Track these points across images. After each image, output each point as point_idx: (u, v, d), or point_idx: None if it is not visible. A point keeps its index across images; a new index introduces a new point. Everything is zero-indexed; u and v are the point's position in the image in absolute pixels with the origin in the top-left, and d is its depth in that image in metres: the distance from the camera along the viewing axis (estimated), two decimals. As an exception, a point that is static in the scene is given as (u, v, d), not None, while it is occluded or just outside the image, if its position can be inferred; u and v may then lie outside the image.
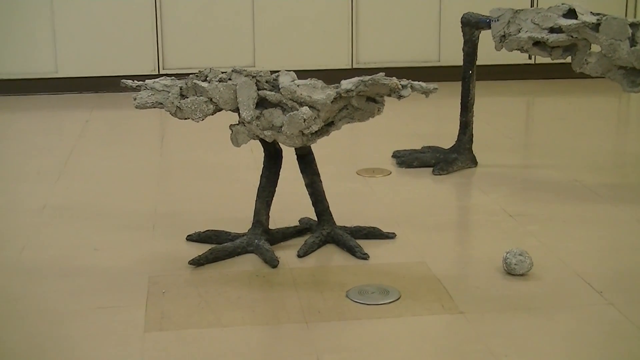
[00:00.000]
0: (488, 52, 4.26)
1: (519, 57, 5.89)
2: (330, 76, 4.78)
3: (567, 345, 2.35)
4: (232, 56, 5.84)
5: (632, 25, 3.49)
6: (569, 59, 3.70)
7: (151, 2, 5.72)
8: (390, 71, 5.34)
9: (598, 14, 3.56)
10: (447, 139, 4.25)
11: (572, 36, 3.57)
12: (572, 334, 2.41)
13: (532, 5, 5.99)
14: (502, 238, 3.14)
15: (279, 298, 2.64)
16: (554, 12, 3.61)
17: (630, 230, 3.23)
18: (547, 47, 3.66)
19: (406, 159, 4.05)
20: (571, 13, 3.60)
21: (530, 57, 6.06)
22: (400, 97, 2.75)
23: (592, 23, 3.52)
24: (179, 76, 3.04)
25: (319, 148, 3.27)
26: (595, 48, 3.62)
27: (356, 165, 4.06)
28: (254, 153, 4.08)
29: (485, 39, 4.07)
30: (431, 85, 2.76)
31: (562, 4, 3.63)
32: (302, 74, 3.29)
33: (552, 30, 3.61)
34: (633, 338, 2.38)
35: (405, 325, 2.47)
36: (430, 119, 5.19)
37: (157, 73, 5.68)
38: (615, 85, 3.64)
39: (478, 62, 4.06)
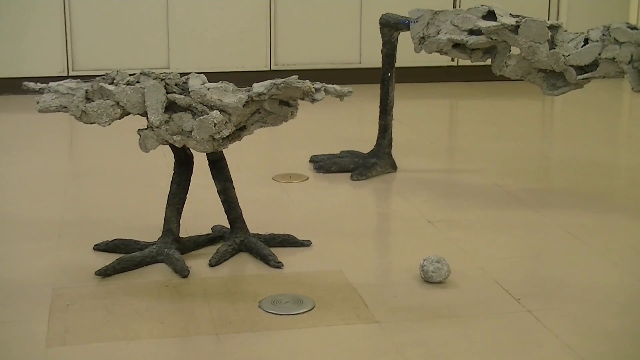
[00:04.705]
0: (410, 54, 4.22)
1: (441, 59, 5.90)
2: (248, 78, 4.70)
3: (484, 353, 2.31)
4: (146, 57, 5.73)
5: (551, 27, 3.47)
6: (489, 62, 3.67)
7: (59, -2, 5.59)
8: (310, 73, 5.30)
9: (517, 16, 3.53)
10: (367, 143, 4.20)
11: (491, 38, 3.54)
12: (489, 341, 2.38)
13: (454, 7, 5.99)
14: (421, 245, 3.10)
15: (189, 309, 2.57)
16: (473, 13, 3.58)
17: (550, 236, 3.22)
18: (467, 49, 3.64)
19: (324, 164, 3.99)
20: (490, 15, 3.57)
21: (452, 60, 6.06)
22: (313, 100, 2.70)
23: (512, 25, 3.49)
24: (90, 78, 2.94)
25: (234, 153, 3.21)
26: (515, 50, 3.60)
27: (272, 171, 4.00)
28: (167, 158, 3.98)
29: (408, 40, 4.03)
30: (345, 89, 2.71)
31: (482, 5, 3.60)
32: (219, 76, 3.22)
33: (471, 32, 3.58)
34: (549, 345, 2.36)
35: (319, 335, 2.42)
36: (350, 123, 5.15)
37: (66, 75, 5.54)
38: (539, 88, 3.64)
39: (400, 64, 4.03)
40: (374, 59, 5.75)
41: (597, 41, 3.40)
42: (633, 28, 3.38)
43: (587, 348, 2.33)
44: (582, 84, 3.50)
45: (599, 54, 3.39)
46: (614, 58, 3.37)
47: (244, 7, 5.83)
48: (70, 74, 5.53)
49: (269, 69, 5.88)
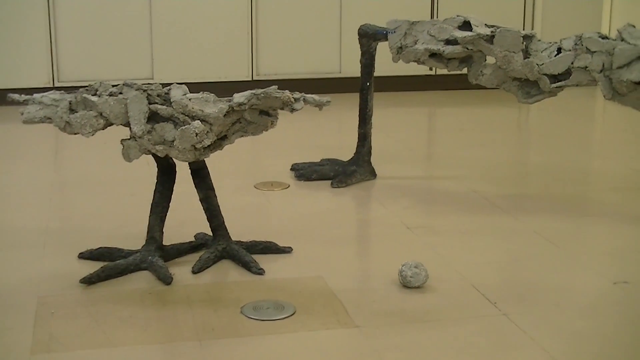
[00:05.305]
0: (389, 64, 4.27)
1: (420, 68, 5.95)
2: (231, 88, 4.73)
3: (461, 356, 2.34)
4: (130, 68, 5.76)
5: (525, 37, 3.53)
6: (466, 71, 3.72)
7: (44, 9, 5.59)
8: (292, 83, 5.36)
9: (492, 26, 3.58)
10: (347, 151, 4.24)
11: (467, 48, 3.59)
12: (467, 345, 2.41)
13: (431, 18, 6.04)
14: (400, 251, 3.13)
15: (172, 316, 2.59)
16: (450, 23, 3.63)
17: (526, 240, 3.26)
18: (444, 58, 3.69)
19: (305, 172, 4.03)
20: (466, 25, 3.62)
21: (431, 69, 6.11)
22: (293, 110, 2.74)
23: (487, 35, 3.54)
24: (76, 89, 2.98)
25: (216, 161, 3.23)
26: (490, 60, 3.65)
27: (254, 179, 4.03)
28: (150, 167, 4.00)
29: (386, 50, 4.07)
30: (324, 99, 2.76)
31: (458, 16, 3.65)
32: (202, 86, 3.26)
33: (448, 42, 3.63)
34: (525, 347, 2.39)
35: (300, 340, 2.44)
36: (330, 131, 5.18)
37: (51, 86, 5.55)
38: (514, 96, 3.68)
39: (379, 74, 4.07)
40: (353, 68, 5.81)
41: (570, 50, 3.46)
42: (604, 38, 3.44)
43: (562, 350, 2.37)
44: (556, 92, 3.55)
45: (572, 63, 3.45)
46: (587, 67, 3.43)
47: (226, 19, 5.87)
48: (55, 85, 5.55)
49: (251, 79, 5.92)
